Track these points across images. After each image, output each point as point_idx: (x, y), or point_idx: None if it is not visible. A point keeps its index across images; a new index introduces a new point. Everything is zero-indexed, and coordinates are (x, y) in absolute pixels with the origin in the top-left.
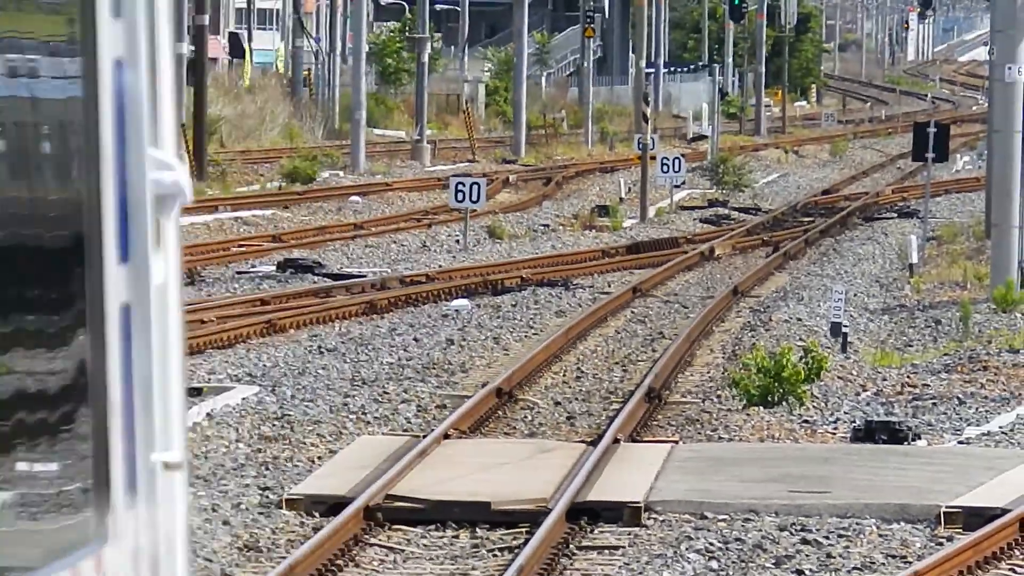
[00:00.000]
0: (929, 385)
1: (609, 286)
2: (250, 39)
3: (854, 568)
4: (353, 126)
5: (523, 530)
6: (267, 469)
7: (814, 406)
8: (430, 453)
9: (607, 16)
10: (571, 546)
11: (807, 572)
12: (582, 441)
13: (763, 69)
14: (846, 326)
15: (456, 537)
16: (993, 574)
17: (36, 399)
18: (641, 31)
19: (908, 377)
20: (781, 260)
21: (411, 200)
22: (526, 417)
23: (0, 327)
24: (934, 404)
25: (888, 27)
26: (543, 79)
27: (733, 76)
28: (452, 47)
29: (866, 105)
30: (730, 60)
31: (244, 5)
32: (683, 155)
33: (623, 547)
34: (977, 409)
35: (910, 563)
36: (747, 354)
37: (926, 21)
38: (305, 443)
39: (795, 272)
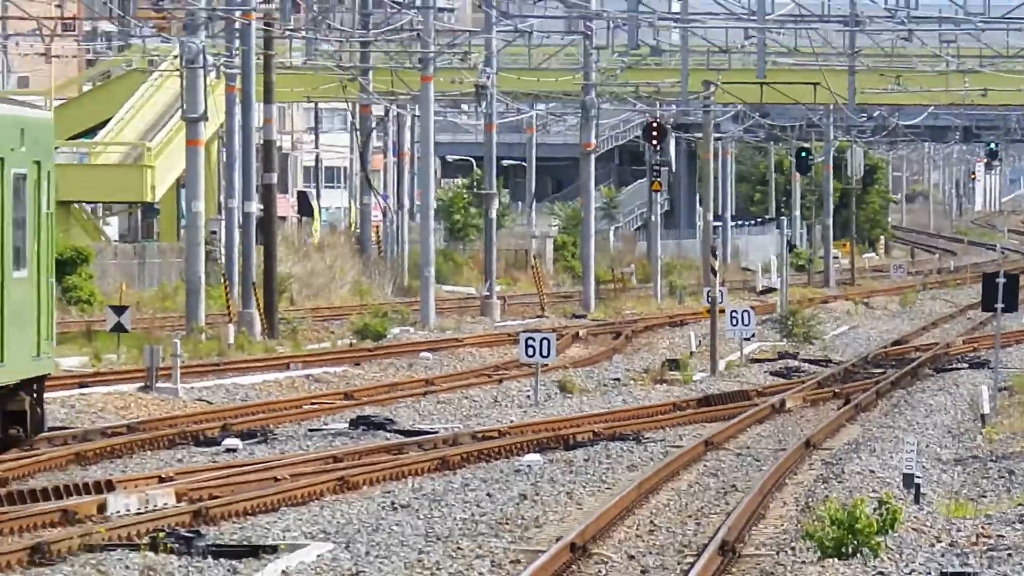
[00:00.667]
0: (1004, 536)
1: (681, 439)
2: (318, 197)
3: None
4: (422, 282)
5: None
6: None
7: (889, 558)
8: None
9: (673, 170)
10: None
11: None
12: None
13: (831, 221)
14: (919, 477)
15: None
16: None
17: None
18: (708, 184)
19: (983, 528)
20: (852, 412)
21: (481, 356)
22: (600, 572)
23: None
24: (1009, 555)
25: (955, 178)
26: (611, 233)
27: (801, 228)
28: (520, 202)
29: (934, 256)
30: (797, 212)
31: (312, 163)
32: (752, 308)
33: None
34: None
35: None
36: (820, 506)
37: (993, 172)
38: None
39: (867, 424)
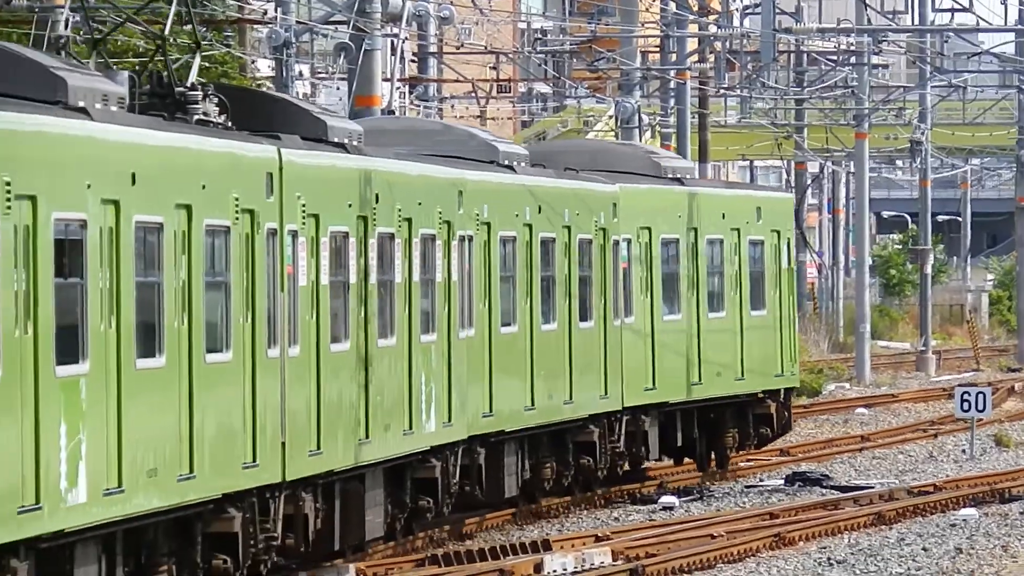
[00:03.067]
0: None
1: None
2: None
3: None
4: (857, 338)
5: None
6: None
7: None
8: None
9: None
10: None
11: None
12: None
13: None
14: None
15: None
16: None
17: None
18: None
19: None
20: None
21: (916, 411)
22: None
23: None
24: None
25: None
26: None
27: None
28: (955, 257)
29: None
30: None
31: None
32: None
33: None
34: None
35: None
36: None
37: None
38: None
39: None
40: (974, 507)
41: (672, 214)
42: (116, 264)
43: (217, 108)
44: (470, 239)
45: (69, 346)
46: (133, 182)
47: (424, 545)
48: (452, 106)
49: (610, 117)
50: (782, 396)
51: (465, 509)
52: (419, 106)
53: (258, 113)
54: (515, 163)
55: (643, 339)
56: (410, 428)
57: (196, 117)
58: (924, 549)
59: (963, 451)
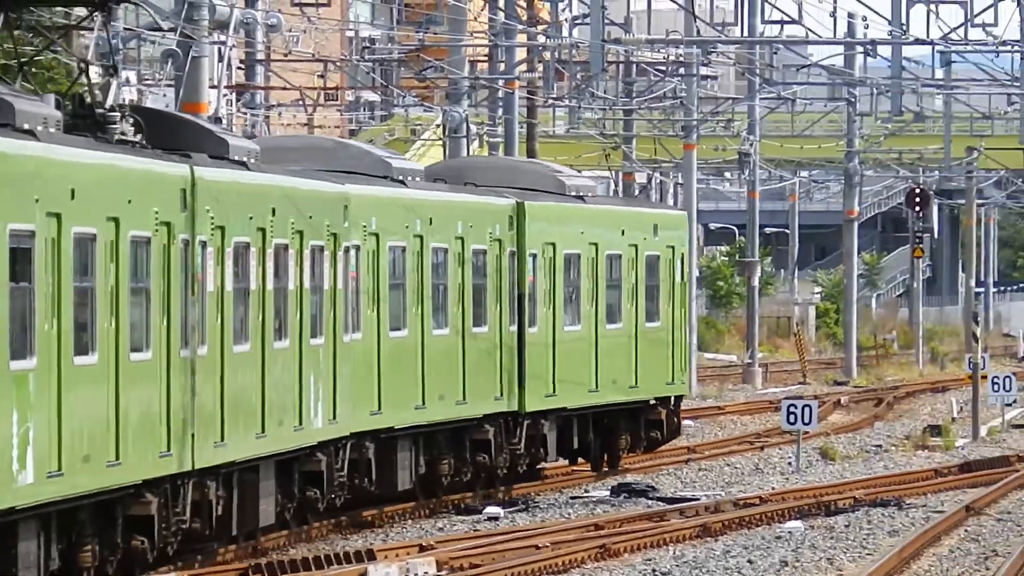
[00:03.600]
0: None
1: (942, 505)
2: None
3: None
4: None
5: None
6: None
7: None
8: None
9: (936, 236)
10: None
11: None
12: None
13: None
14: None
15: None
16: None
17: None
18: (970, 250)
19: None
20: None
21: (743, 423)
22: None
23: None
24: None
25: None
26: (873, 300)
27: None
28: (782, 270)
29: None
30: None
31: None
32: (1014, 374)
33: None
34: None
35: None
36: None
37: None
38: None
39: None
40: (800, 520)
41: (575, 229)
42: (58, 270)
43: (133, 128)
44: (356, 249)
45: (20, 343)
46: (72, 197)
47: (248, 554)
48: (279, 114)
49: (438, 126)
50: (672, 403)
51: (364, 503)
52: (245, 114)
53: (168, 133)
54: (408, 178)
55: (545, 348)
56: (300, 424)
57: (116, 137)
58: (750, 562)
59: (789, 464)
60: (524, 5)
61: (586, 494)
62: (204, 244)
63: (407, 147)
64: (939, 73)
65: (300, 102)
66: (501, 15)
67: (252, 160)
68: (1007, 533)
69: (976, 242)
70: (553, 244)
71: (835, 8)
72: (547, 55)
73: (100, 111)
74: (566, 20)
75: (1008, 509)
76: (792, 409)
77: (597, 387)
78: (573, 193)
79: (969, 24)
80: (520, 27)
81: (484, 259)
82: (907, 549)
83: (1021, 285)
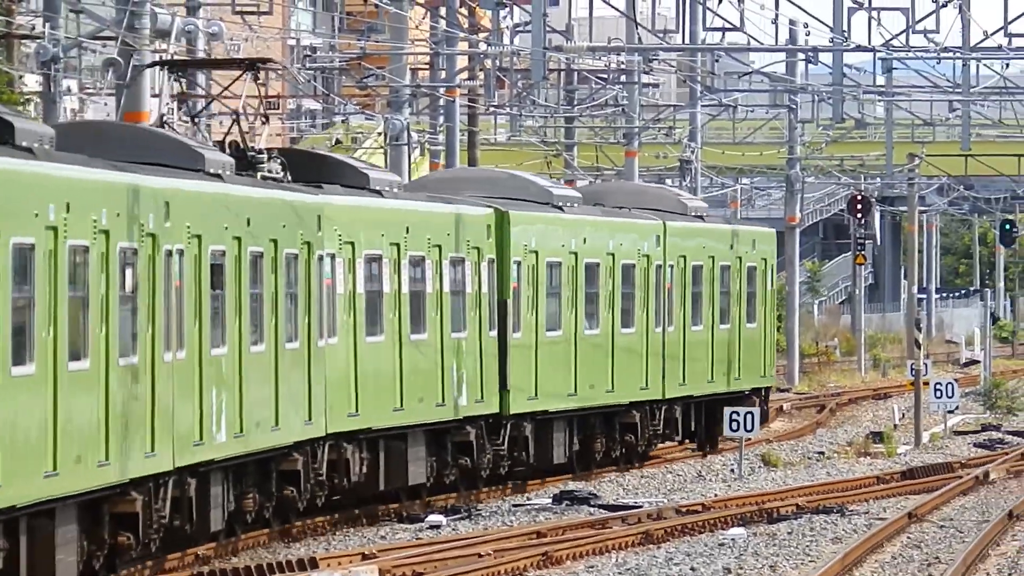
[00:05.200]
0: None
1: (884, 512)
2: None
3: None
4: None
5: None
6: None
7: None
8: None
9: (878, 243)
10: None
11: None
12: None
13: None
14: None
15: None
16: None
17: None
18: (912, 257)
19: None
20: None
21: None
22: None
23: None
24: None
25: None
26: (815, 307)
27: (1005, 300)
28: None
29: None
30: (1001, 284)
31: None
32: (956, 380)
33: None
34: None
35: None
36: None
37: None
38: None
39: None
40: (742, 526)
41: (700, 243)
42: (238, 282)
43: (280, 167)
44: (518, 264)
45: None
46: (248, 224)
47: (192, 562)
48: (220, 123)
49: (379, 134)
50: (763, 393)
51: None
52: (187, 122)
53: (315, 169)
54: (566, 204)
55: (678, 344)
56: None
57: (262, 175)
58: (692, 568)
59: (731, 470)
60: (465, 13)
61: (528, 502)
62: (333, 256)
63: (348, 155)
64: (880, 80)
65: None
66: (443, 23)
67: (393, 189)
68: (949, 540)
69: (918, 249)
70: (684, 256)
71: (776, 15)
72: (488, 63)
73: (251, 153)
74: (507, 28)
75: (950, 516)
76: (734, 416)
77: (713, 378)
78: (693, 213)
79: (911, 31)
80: (461, 35)
81: (634, 271)
82: (850, 556)
83: (963, 291)
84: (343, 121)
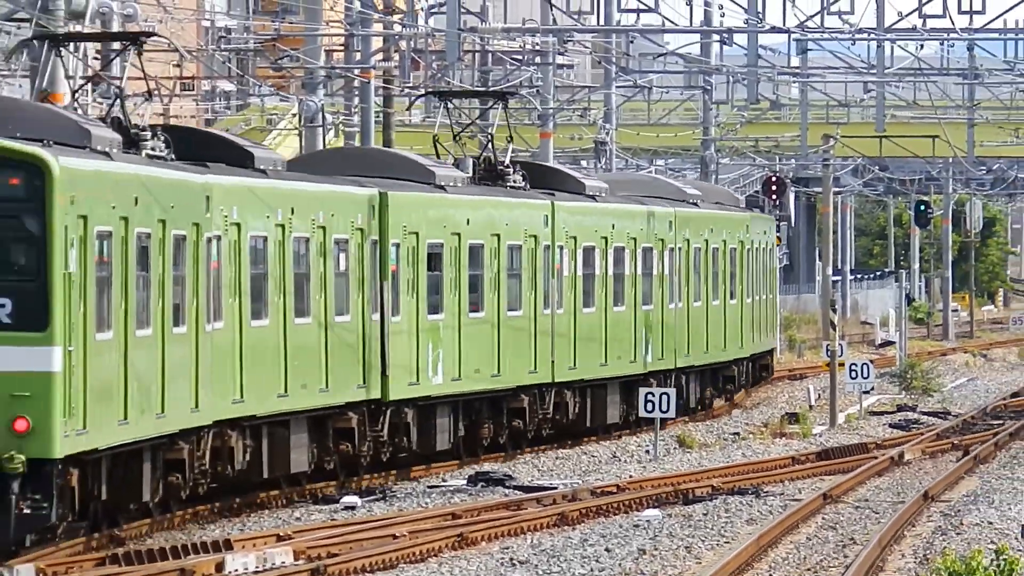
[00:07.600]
0: None
1: (800, 493)
2: None
3: None
4: None
5: None
6: None
7: None
8: None
9: (793, 224)
10: None
11: None
12: None
13: (949, 274)
14: None
15: None
16: None
17: None
18: (827, 238)
19: None
20: (971, 464)
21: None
22: None
23: None
24: None
25: None
26: None
27: (920, 281)
28: None
29: None
30: (916, 266)
31: None
32: (871, 361)
33: None
34: None
35: None
36: (938, 558)
37: None
38: None
39: (985, 476)
40: (657, 508)
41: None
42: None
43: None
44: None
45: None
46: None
47: (105, 543)
48: (135, 104)
49: (294, 116)
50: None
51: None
52: (101, 103)
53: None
54: (700, 201)
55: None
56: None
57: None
58: (607, 550)
59: (647, 452)
60: None
61: (443, 483)
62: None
63: (263, 136)
64: (795, 61)
65: (156, 92)
66: (357, 4)
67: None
68: (864, 520)
69: (833, 230)
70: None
71: None
72: (403, 44)
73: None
74: (422, 9)
75: (865, 496)
76: (650, 397)
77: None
78: (715, 200)
79: (825, 12)
80: (376, 16)
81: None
82: (765, 537)
83: (878, 272)
84: (261, 100)
